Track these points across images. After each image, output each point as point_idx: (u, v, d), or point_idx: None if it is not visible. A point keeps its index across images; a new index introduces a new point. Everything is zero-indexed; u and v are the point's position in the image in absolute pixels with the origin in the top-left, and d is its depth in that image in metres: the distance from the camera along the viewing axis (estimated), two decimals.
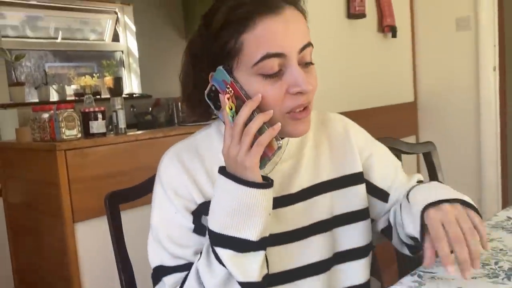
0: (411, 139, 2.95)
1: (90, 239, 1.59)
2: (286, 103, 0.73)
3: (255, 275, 0.71)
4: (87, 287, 1.58)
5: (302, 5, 0.77)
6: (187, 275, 0.76)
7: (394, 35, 2.73)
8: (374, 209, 0.91)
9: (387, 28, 2.69)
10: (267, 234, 0.72)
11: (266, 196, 0.70)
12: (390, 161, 0.94)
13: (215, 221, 0.72)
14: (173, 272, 0.78)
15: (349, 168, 0.88)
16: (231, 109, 0.71)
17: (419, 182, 0.92)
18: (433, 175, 1.44)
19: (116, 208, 1.07)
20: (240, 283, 0.70)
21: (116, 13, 3.89)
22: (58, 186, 1.52)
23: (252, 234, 0.70)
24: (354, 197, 0.87)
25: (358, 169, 0.88)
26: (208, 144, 0.84)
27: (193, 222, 0.79)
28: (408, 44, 2.99)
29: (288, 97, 0.73)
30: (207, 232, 0.74)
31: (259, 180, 0.70)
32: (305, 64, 0.75)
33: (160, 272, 0.79)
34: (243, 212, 0.69)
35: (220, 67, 0.73)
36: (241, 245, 0.70)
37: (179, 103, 3.69)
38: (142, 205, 1.55)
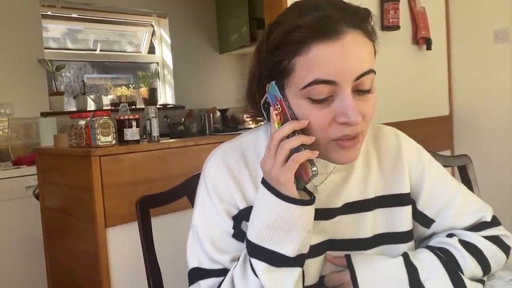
0: (446, 154, 2.87)
1: (121, 244, 1.62)
2: (332, 130, 0.70)
3: None
4: None
5: (370, 28, 0.72)
6: (222, 281, 0.76)
7: (429, 48, 2.69)
8: (415, 231, 0.87)
9: (422, 40, 2.65)
10: (305, 251, 0.71)
11: (304, 213, 0.69)
12: (444, 185, 0.87)
13: (253, 232, 0.71)
14: (210, 275, 0.77)
15: (397, 188, 0.84)
16: (278, 125, 0.71)
17: (481, 224, 0.85)
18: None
19: (147, 212, 1.09)
20: None
21: (152, 26, 4.00)
22: (92, 191, 1.56)
23: (289, 250, 0.69)
24: (398, 218, 0.83)
25: (406, 189, 0.84)
26: (254, 147, 0.83)
27: (233, 227, 0.79)
28: (443, 57, 2.93)
29: (334, 125, 0.70)
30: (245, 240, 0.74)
31: (295, 195, 0.69)
32: (361, 92, 0.71)
33: (197, 274, 0.79)
34: (280, 226, 0.69)
35: (273, 83, 0.73)
36: (276, 260, 0.69)
37: (211, 114, 3.73)
38: (172, 211, 1.58)
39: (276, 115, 0.71)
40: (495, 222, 0.87)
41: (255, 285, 0.70)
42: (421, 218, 0.86)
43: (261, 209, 0.71)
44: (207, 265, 0.78)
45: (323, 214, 0.80)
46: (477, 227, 0.85)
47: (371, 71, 0.70)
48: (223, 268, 0.77)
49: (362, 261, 0.78)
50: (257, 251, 0.70)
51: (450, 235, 0.84)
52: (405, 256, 0.78)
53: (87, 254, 1.67)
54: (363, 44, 0.70)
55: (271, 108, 0.73)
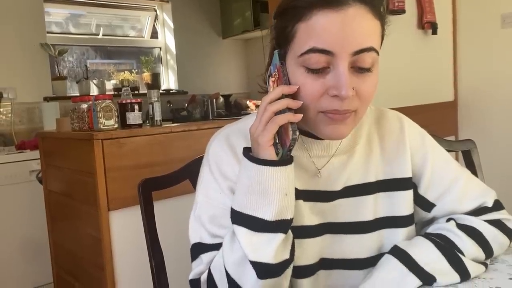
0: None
1: (124, 228, 1.63)
2: (322, 102, 0.70)
3: (267, 256, 0.68)
4: (120, 274, 1.62)
5: (379, 7, 0.71)
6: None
7: (434, 32, 2.65)
8: (416, 215, 0.87)
9: (427, 24, 2.61)
10: (287, 217, 0.70)
11: (278, 174, 0.68)
12: (446, 170, 0.86)
13: (235, 200, 0.72)
14: (211, 250, 0.78)
15: (399, 172, 0.83)
16: None
17: (482, 209, 0.85)
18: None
19: (149, 195, 1.09)
20: (251, 262, 0.68)
21: (155, 10, 3.97)
22: (95, 174, 1.56)
23: (267, 214, 0.68)
24: (400, 202, 0.83)
25: (408, 174, 0.84)
26: None
27: None
28: (449, 42, 2.90)
29: (326, 97, 0.70)
30: None
31: (272, 158, 0.68)
32: (360, 69, 0.70)
33: (198, 249, 0.79)
34: (256, 190, 0.68)
35: (276, 51, 0.73)
36: (256, 224, 0.69)
37: (214, 100, 3.72)
38: (175, 195, 1.58)
39: (273, 82, 0.72)
40: (497, 206, 0.86)
41: (239, 252, 0.69)
42: (422, 202, 0.86)
43: (240, 176, 0.71)
44: (208, 240, 0.78)
45: (322, 197, 0.80)
46: (478, 211, 0.84)
47: (372, 49, 0.69)
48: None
49: (364, 284, 0.75)
50: (238, 218, 0.70)
51: (448, 220, 0.83)
52: (393, 248, 0.78)
53: (91, 238, 1.68)
54: (366, 20, 0.69)
55: (271, 76, 0.73)
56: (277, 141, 0.70)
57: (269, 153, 0.69)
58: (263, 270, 0.68)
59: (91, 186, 1.60)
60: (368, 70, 0.71)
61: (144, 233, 1.07)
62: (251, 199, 0.69)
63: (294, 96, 0.71)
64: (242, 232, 0.69)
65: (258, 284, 0.68)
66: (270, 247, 0.68)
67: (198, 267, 0.78)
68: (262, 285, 0.69)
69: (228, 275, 0.71)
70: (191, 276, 0.79)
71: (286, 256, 0.71)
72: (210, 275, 0.75)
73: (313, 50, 0.68)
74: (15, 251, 2.56)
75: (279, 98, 0.69)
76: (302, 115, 0.67)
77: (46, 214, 2.10)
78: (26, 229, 2.56)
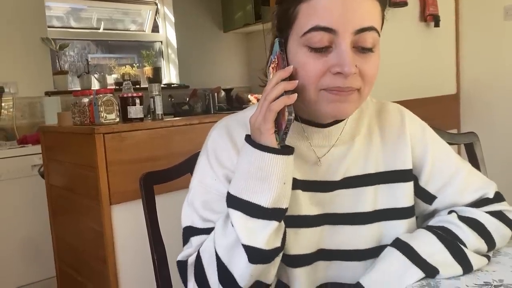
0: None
1: (126, 222, 1.63)
2: (324, 80, 0.70)
3: (260, 242, 0.69)
4: (122, 267, 1.62)
5: None
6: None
7: (437, 25, 2.64)
8: (417, 207, 0.86)
9: (429, 17, 2.60)
10: (283, 206, 0.71)
11: (278, 162, 0.69)
12: (447, 162, 0.86)
13: (233, 184, 0.73)
14: (201, 233, 0.79)
15: (399, 164, 0.83)
16: None
17: (484, 200, 0.85)
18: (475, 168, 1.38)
19: (151, 189, 1.09)
20: (244, 246, 0.69)
21: (156, 3, 3.95)
22: (96, 168, 1.56)
23: (264, 200, 0.69)
24: (400, 194, 0.83)
25: (408, 166, 0.84)
26: None
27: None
28: (451, 34, 2.88)
29: (328, 75, 0.70)
30: None
31: (273, 145, 0.69)
32: (362, 49, 0.71)
33: (189, 232, 0.81)
34: (255, 175, 0.69)
35: (276, 39, 0.74)
36: (252, 209, 0.69)
37: (215, 94, 3.71)
38: (177, 189, 1.58)
39: (273, 68, 0.72)
40: (498, 198, 0.86)
41: (232, 236, 0.70)
42: (423, 195, 0.86)
43: (240, 162, 0.72)
44: (199, 224, 0.79)
45: (321, 187, 0.80)
46: (479, 203, 0.84)
47: (373, 28, 0.71)
48: (214, 227, 0.78)
49: (366, 276, 0.76)
50: (234, 202, 0.71)
51: (450, 212, 0.83)
52: (395, 241, 0.78)
53: (93, 232, 1.68)
54: (368, 1, 0.70)
55: (272, 64, 0.73)
56: (276, 129, 0.70)
57: (270, 141, 0.69)
58: (255, 255, 0.69)
59: (93, 180, 1.60)
60: (370, 50, 0.71)
61: (146, 226, 1.08)
62: (250, 184, 0.70)
63: (295, 76, 0.72)
64: (237, 215, 0.70)
65: (248, 268, 0.69)
66: (263, 233, 0.69)
67: (187, 250, 0.79)
68: (252, 270, 0.70)
69: (218, 258, 0.72)
70: (179, 258, 0.81)
71: (278, 244, 0.71)
72: (198, 258, 0.76)
73: (315, 28, 0.69)
74: (18, 245, 2.56)
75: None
76: (296, 94, 0.68)
77: (48, 208, 2.10)
78: (28, 223, 2.57)
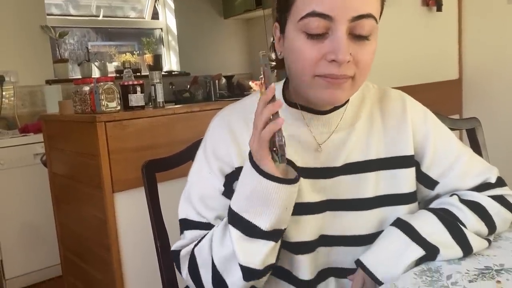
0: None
1: (129, 209, 1.64)
2: (319, 67, 0.70)
3: (256, 262, 0.71)
4: (125, 255, 1.64)
5: None
6: (203, 237, 0.79)
7: (439, 9, 2.62)
8: (419, 193, 0.87)
9: (432, 1, 2.58)
10: (282, 227, 0.72)
11: (281, 191, 0.69)
12: (449, 147, 0.86)
13: (235, 201, 0.73)
14: (195, 228, 0.81)
15: (400, 150, 0.83)
16: (261, 94, 0.70)
17: (485, 185, 0.85)
18: (476, 154, 1.38)
19: (153, 176, 1.09)
20: (240, 265, 0.71)
21: None
22: (98, 157, 1.56)
23: (264, 223, 0.70)
24: (401, 180, 0.83)
25: (410, 152, 0.83)
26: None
27: (224, 185, 0.81)
28: (454, 19, 2.86)
29: (323, 62, 0.70)
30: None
31: (273, 173, 0.69)
32: (358, 36, 0.70)
33: (184, 225, 0.84)
34: (257, 199, 0.70)
35: (260, 52, 0.73)
36: (251, 230, 0.71)
37: (216, 81, 3.70)
38: (179, 177, 1.58)
39: (261, 84, 0.70)
40: (500, 182, 0.86)
41: (229, 250, 0.72)
42: (425, 180, 0.86)
43: (243, 179, 0.72)
44: (193, 217, 0.82)
45: (323, 173, 0.81)
46: (481, 188, 0.85)
47: (371, 16, 0.70)
48: (207, 223, 0.81)
49: (366, 254, 0.77)
50: (235, 219, 0.72)
51: (452, 195, 0.84)
52: (396, 221, 0.79)
53: (96, 219, 1.69)
54: None
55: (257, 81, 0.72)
56: (273, 149, 0.69)
57: (268, 168, 0.69)
58: (250, 274, 0.72)
59: (95, 168, 1.60)
60: (366, 38, 0.71)
61: (149, 214, 1.08)
62: (252, 204, 0.70)
63: (291, 63, 0.73)
64: (236, 235, 0.72)
65: (241, 282, 0.72)
66: (260, 254, 0.71)
67: (181, 241, 0.83)
68: (245, 285, 0.73)
69: (214, 265, 0.74)
70: (173, 248, 0.84)
71: (273, 261, 0.74)
72: (193, 257, 0.79)
73: (312, 14, 0.68)
74: (22, 233, 2.59)
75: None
76: (283, 118, 0.66)
77: (51, 196, 2.12)
78: (32, 211, 2.58)
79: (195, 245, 0.79)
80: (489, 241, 0.79)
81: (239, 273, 0.72)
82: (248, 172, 0.71)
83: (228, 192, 0.81)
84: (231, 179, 0.81)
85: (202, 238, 0.79)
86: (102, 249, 1.68)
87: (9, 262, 2.56)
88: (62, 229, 2.09)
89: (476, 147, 1.39)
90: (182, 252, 0.82)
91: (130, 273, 1.65)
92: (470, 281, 0.66)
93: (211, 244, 0.76)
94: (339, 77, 0.70)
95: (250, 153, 0.72)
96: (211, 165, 0.82)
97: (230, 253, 0.72)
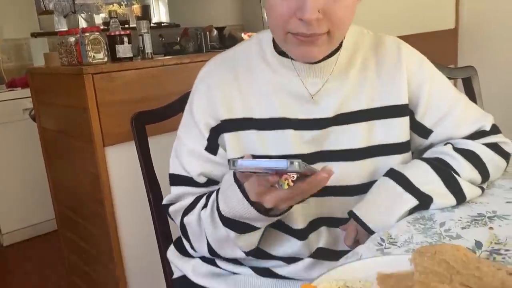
0: None
1: (121, 163, 1.63)
2: (290, 24, 0.69)
3: (255, 244, 0.78)
4: (119, 208, 1.64)
5: None
6: (190, 205, 0.82)
7: None
8: (412, 143, 0.85)
9: None
10: (274, 219, 0.74)
11: (267, 221, 0.73)
12: (444, 95, 0.84)
13: (223, 206, 0.74)
14: (180, 183, 0.84)
15: (393, 99, 0.81)
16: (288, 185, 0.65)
17: (480, 132, 0.84)
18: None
19: (143, 129, 1.07)
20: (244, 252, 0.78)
21: None
22: (87, 110, 1.53)
23: (258, 227, 0.74)
24: (395, 129, 0.81)
25: (404, 100, 0.81)
26: (246, 60, 0.83)
27: (208, 139, 0.82)
28: None
29: (294, 19, 0.68)
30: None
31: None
32: None
33: (171, 179, 0.87)
34: (246, 219, 0.73)
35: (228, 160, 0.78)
36: (247, 228, 0.74)
37: (207, 33, 3.60)
38: (171, 130, 1.56)
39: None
40: (494, 130, 0.86)
41: (223, 232, 0.75)
42: (419, 129, 0.85)
43: (231, 198, 0.72)
44: (178, 171, 0.85)
45: (314, 124, 0.79)
46: (475, 135, 0.84)
47: None
48: (190, 177, 0.83)
49: (359, 205, 0.77)
50: (230, 223, 0.74)
51: (446, 144, 0.83)
52: (389, 171, 0.78)
53: (88, 174, 1.68)
54: None
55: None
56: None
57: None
58: (252, 252, 0.79)
59: (85, 122, 1.57)
60: None
61: (140, 166, 1.07)
62: (240, 219, 0.73)
63: (268, 17, 0.72)
64: (233, 235, 0.75)
65: (241, 254, 0.78)
66: (257, 236, 0.77)
67: (169, 196, 0.87)
68: (244, 255, 0.79)
69: (208, 244, 0.80)
70: (164, 201, 0.88)
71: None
72: (183, 227, 0.83)
73: None
74: (16, 189, 2.59)
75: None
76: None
77: (42, 152, 2.09)
78: (24, 167, 2.57)
79: (184, 214, 0.82)
80: (483, 189, 0.78)
81: (239, 251, 0.77)
82: (238, 195, 0.70)
83: (212, 147, 0.81)
84: (217, 132, 0.81)
85: (190, 207, 0.82)
86: (96, 203, 1.68)
87: (4, 218, 2.58)
88: (55, 184, 2.08)
89: (471, 95, 1.37)
90: (171, 209, 0.85)
91: (124, 226, 1.66)
92: (463, 228, 0.66)
93: (199, 222, 0.79)
94: (308, 36, 0.69)
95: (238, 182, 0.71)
96: (195, 119, 0.82)
97: (224, 236, 0.76)
